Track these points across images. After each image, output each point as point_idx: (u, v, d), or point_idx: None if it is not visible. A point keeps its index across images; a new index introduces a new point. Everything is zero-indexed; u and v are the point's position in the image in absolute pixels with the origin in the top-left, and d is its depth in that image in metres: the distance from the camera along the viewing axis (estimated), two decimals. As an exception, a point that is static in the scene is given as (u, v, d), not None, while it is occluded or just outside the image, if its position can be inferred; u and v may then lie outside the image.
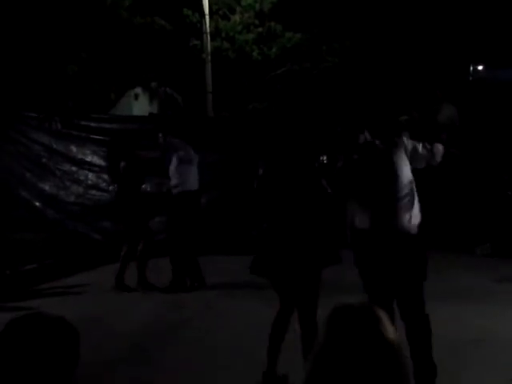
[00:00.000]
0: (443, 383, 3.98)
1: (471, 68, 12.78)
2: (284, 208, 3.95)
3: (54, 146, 9.01)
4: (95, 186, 8.98)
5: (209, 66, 14.78)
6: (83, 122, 9.23)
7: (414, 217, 3.79)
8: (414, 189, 3.89)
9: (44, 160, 9.03)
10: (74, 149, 9.04)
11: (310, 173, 4.08)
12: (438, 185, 8.87)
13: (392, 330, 1.22)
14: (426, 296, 6.03)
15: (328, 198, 4.08)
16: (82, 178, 9.01)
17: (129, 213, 6.74)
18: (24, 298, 6.33)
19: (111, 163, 7.31)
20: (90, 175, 9.01)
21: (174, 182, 6.78)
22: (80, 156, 9.04)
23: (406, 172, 3.88)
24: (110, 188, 8.40)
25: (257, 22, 15.42)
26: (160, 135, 6.88)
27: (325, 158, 10.76)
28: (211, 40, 14.99)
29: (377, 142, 4.01)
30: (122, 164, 6.79)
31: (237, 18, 15.48)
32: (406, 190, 3.82)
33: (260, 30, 15.41)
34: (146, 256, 6.78)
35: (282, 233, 3.92)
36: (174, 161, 6.78)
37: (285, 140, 4.15)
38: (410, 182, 3.88)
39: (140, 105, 15.78)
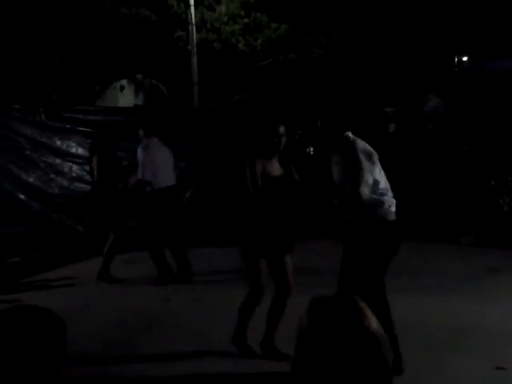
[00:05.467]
0: (429, 372, 4.02)
1: (456, 59, 12.85)
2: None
3: (38, 137, 8.94)
4: (80, 179, 8.92)
5: (194, 58, 14.72)
6: (68, 114, 9.16)
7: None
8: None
9: (28, 152, 8.96)
10: (58, 141, 8.98)
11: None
12: (422, 175, 8.92)
13: (375, 320, 1.20)
14: (412, 285, 6.06)
15: (296, 186, 4.23)
16: (66, 170, 8.95)
17: (101, 206, 6.67)
18: (9, 292, 6.28)
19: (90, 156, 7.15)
20: (75, 167, 8.95)
21: (147, 179, 6.56)
22: (64, 148, 8.97)
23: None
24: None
25: (242, 12, 15.35)
26: (141, 132, 6.69)
27: (311, 149, 10.77)
28: (197, 31, 14.91)
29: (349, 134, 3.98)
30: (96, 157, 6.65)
31: (222, 8, 15.40)
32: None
33: (246, 20, 15.35)
34: (114, 250, 6.72)
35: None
36: (147, 159, 6.54)
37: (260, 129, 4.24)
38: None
39: (125, 97, 15.66)
